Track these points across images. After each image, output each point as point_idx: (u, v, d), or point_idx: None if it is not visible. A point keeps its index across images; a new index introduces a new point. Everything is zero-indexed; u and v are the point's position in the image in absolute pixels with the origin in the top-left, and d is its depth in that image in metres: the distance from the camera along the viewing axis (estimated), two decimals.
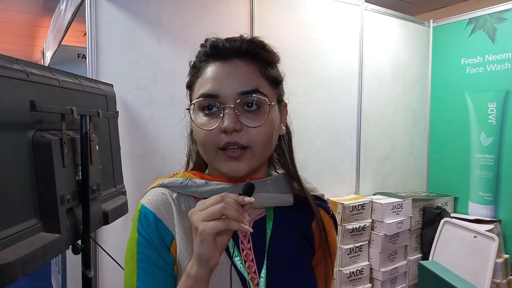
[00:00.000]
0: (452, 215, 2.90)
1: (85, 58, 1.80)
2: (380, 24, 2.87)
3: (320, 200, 0.77)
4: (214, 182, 0.66)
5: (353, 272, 2.46)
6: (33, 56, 6.93)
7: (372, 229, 2.59)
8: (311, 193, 0.74)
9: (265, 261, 0.65)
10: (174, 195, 0.67)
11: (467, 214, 2.98)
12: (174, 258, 0.63)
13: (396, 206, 2.61)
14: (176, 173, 0.72)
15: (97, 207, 1.27)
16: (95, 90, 1.39)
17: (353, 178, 2.78)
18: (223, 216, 0.52)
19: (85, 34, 1.73)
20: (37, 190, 0.99)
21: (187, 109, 0.66)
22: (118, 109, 1.60)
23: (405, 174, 3.13)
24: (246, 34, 0.67)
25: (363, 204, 2.53)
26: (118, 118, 1.58)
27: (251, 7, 2.19)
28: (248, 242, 0.66)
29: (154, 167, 1.86)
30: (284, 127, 0.72)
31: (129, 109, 1.81)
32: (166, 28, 1.90)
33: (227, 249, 0.62)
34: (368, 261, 2.58)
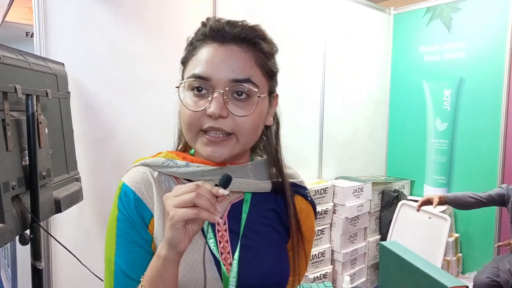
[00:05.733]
0: (408, 197, 3.04)
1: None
2: (343, 10, 2.89)
3: (299, 187, 0.77)
4: (195, 164, 0.67)
5: (315, 255, 2.52)
6: None
7: (334, 212, 2.65)
8: (290, 180, 0.75)
9: (239, 243, 0.67)
10: (155, 174, 0.68)
11: (423, 196, 3.11)
12: (152, 235, 0.65)
13: (357, 190, 2.68)
14: (159, 153, 0.72)
15: (48, 194, 1.19)
16: (43, 68, 1.28)
17: (316, 163, 2.82)
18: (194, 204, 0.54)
19: None
20: None
21: (177, 87, 0.65)
22: (71, 90, 1.50)
23: (365, 159, 3.22)
24: (249, 21, 0.66)
25: (325, 188, 2.58)
26: (72, 100, 1.48)
27: None
28: (224, 224, 0.68)
29: (113, 152, 1.77)
30: (272, 118, 0.72)
31: (84, 91, 1.70)
32: (123, 6, 1.79)
33: (202, 230, 0.64)
34: (330, 243, 2.64)
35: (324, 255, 2.57)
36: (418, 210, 2.35)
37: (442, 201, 2.28)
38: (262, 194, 0.71)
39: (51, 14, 1.60)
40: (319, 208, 2.53)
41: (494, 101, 2.71)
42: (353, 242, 2.74)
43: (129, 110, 1.80)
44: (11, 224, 0.99)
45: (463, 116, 2.90)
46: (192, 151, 0.74)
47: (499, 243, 2.19)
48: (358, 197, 2.70)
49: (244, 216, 0.69)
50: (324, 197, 2.58)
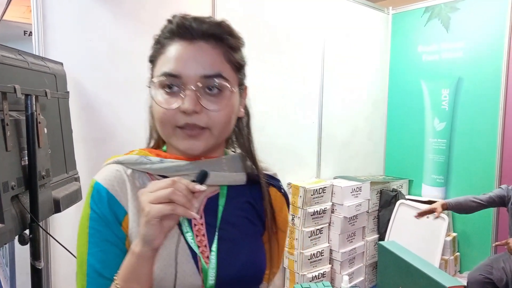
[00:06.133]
0: (407, 197, 3.05)
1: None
2: (342, 10, 2.89)
3: (272, 179, 0.79)
4: (169, 159, 0.67)
5: (313, 254, 2.52)
6: None
7: (332, 211, 2.66)
8: (264, 172, 0.76)
9: (216, 236, 0.67)
10: (129, 171, 0.68)
11: (421, 195, 3.14)
12: (126, 233, 0.64)
13: (355, 189, 2.69)
14: (132, 150, 0.72)
15: (47, 194, 1.19)
16: (42, 68, 1.28)
17: (314, 162, 2.82)
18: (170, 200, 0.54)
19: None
20: None
21: (148, 86, 0.66)
22: (70, 90, 1.50)
23: (364, 159, 3.23)
24: (213, 17, 0.66)
25: (324, 187, 2.58)
26: (71, 100, 1.48)
27: None
28: (201, 218, 0.69)
29: (112, 152, 1.76)
30: (243, 110, 0.73)
31: (83, 91, 1.70)
32: (122, 5, 1.79)
33: (179, 224, 0.65)
34: (328, 242, 2.65)
35: (322, 254, 2.58)
36: (418, 217, 2.31)
37: (444, 208, 2.27)
38: (237, 187, 0.72)
39: (50, 13, 1.60)
40: (317, 208, 2.53)
41: (492, 100, 2.72)
42: (351, 242, 2.75)
43: (128, 110, 1.80)
44: (10, 224, 0.99)
45: (461, 116, 2.90)
46: (165, 147, 0.74)
47: (497, 243, 2.20)
48: (357, 196, 2.70)
49: (220, 209, 0.70)
50: (322, 196, 2.58)
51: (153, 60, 0.68)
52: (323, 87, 2.79)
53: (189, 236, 0.66)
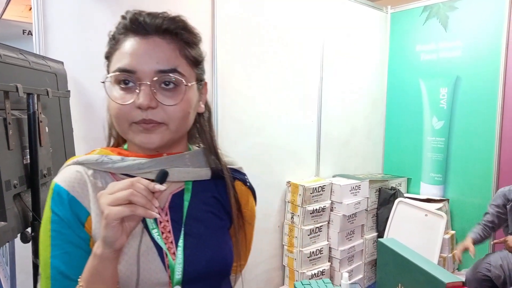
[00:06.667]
0: (405, 195, 3.06)
1: (32, 35, 1.66)
2: (341, 9, 2.90)
3: (238, 173, 0.79)
4: (130, 157, 0.67)
5: (313, 252, 2.53)
6: None
7: (332, 210, 2.67)
8: (229, 166, 0.76)
9: (182, 232, 0.67)
10: (90, 172, 0.67)
11: (419, 194, 3.15)
12: (90, 234, 0.64)
13: (354, 188, 2.70)
14: (93, 150, 0.71)
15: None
16: (43, 67, 1.28)
17: (313, 161, 2.83)
18: (130, 202, 0.54)
19: (31, 8, 1.59)
20: None
21: (102, 82, 0.65)
22: (70, 89, 1.50)
23: (363, 157, 3.24)
24: (170, 11, 0.66)
25: (323, 186, 2.59)
26: (71, 99, 1.48)
27: None
28: (166, 214, 0.69)
29: None
30: (203, 105, 0.73)
31: (84, 90, 1.70)
32: (122, 5, 1.79)
33: (144, 221, 0.65)
34: (327, 240, 2.66)
35: (321, 252, 2.59)
36: (460, 260, 2.26)
37: (473, 243, 2.26)
38: (202, 182, 0.72)
39: (50, 12, 1.60)
40: (316, 206, 2.54)
41: (490, 99, 2.73)
42: (350, 240, 2.76)
43: None
44: (12, 222, 1.00)
45: (459, 115, 2.92)
46: (126, 146, 0.73)
47: (495, 240, 2.22)
48: (356, 194, 2.71)
49: (186, 204, 0.70)
50: (321, 195, 2.59)
51: (108, 56, 0.67)
52: (322, 86, 2.80)
53: (155, 233, 0.66)
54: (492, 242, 2.49)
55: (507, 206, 2.22)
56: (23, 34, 2.83)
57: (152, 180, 0.57)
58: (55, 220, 0.62)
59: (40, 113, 1.13)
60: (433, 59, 3.04)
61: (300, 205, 2.49)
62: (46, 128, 1.17)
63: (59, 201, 0.63)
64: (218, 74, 2.13)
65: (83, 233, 0.63)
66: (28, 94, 1.08)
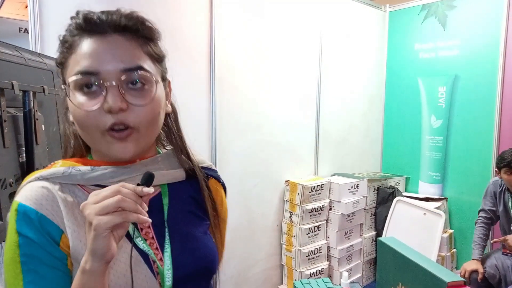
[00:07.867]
0: (404, 194, 3.06)
1: (28, 33, 1.65)
2: (339, 7, 2.89)
3: (210, 170, 0.78)
4: (101, 167, 0.62)
5: (311, 251, 2.53)
6: None
7: (330, 208, 2.67)
8: (200, 165, 0.75)
9: (168, 236, 0.65)
10: (57, 187, 0.61)
11: (417, 192, 3.15)
12: (67, 252, 0.59)
13: (353, 186, 2.70)
14: (54, 163, 0.66)
15: None
16: (39, 64, 1.27)
17: (312, 160, 2.82)
18: (120, 208, 0.51)
19: (27, 6, 1.58)
20: None
21: (63, 88, 0.60)
22: None
23: (361, 156, 3.24)
24: (124, 9, 0.63)
25: (322, 185, 2.59)
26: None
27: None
28: None
29: None
30: (169, 105, 0.70)
31: None
32: (119, 3, 1.77)
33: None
34: (326, 239, 2.66)
35: (320, 251, 2.58)
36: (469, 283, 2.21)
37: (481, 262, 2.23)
38: (178, 184, 0.71)
39: (47, 10, 1.59)
40: (315, 205, 2.54)
41: (488, 98, 2.74)
42: (349, 238, 2.76)
43: None
44: None
45: (457, 113, 2.92)
46: (90, 155, 0.68)
47: (495, 239, 2.22)
48: (354, 193, 2.71)
49: (165, 208, 0.68)
50: (320, 193, 2.59)
51: (62, 62, 0.62)
52: (320, 85, 2.79)
53: (139, 241, 0.63)
54: (491, 241, 2.49)
55: (497, 195, 2.25)
56: (20, 32, 2.80)
57: (138, 184, 0.54)
58: (24, 243, 0.56)
59: (36, 110, 1.11)
60: (432, 58, 3.04)
61: (299, 204, 2.48)
62: (43, 126, 1.16)
63: (27, 222, 0.57)
64: (216, 72, 2.12)
65: (59, 252, 0.58)
66: (24, 92, 1.06)
